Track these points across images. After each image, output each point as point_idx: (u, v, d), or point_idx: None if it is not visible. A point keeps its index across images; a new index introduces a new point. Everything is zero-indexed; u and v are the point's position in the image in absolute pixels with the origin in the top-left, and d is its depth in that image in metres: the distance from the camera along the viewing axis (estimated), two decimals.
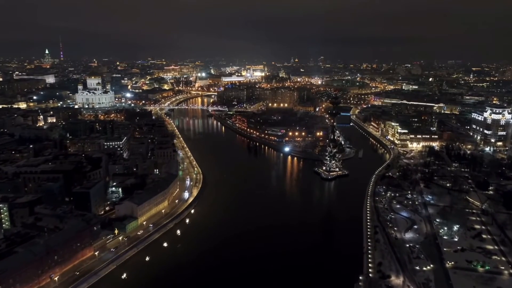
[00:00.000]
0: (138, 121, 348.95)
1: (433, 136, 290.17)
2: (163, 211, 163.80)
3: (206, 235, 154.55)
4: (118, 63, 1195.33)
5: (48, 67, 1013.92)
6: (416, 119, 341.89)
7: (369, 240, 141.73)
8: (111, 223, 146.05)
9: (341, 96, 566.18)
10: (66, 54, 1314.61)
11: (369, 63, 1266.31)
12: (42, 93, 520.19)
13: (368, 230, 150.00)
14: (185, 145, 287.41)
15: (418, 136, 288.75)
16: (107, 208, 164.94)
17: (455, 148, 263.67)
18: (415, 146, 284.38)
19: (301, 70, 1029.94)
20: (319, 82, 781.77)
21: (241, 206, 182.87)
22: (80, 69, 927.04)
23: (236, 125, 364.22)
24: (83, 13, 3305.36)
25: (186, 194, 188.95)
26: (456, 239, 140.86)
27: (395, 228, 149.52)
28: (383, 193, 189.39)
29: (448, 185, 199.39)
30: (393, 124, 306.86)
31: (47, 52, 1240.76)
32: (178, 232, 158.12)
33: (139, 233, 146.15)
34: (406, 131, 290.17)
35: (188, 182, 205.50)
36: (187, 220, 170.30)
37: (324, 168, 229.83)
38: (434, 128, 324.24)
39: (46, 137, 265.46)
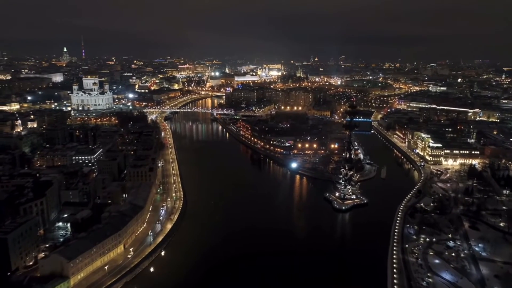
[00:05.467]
0: (132, 126, 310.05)
1: (473, 152, 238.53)
2: (106, 267, 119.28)
3: None
4: (135, 61, 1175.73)
5: (64, 65, 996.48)
6: (450, 129, 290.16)
7: None
8: (31, 285, 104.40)
9: (362, 98, 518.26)
10: (88, 53, 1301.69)
11: (392, 63, 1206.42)
12: (40, 93, 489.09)
13: None
14: (175, 158, 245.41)
15: (455, 151, 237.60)
16: (42, 255, 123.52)
17: (501, 168, 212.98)
18: (451, 164, 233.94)
19: (320, 69, 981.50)
20: (339, 83, 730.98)
21: (225, 247, 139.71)
22: (94, 67, 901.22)
23: (241, 132, 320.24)
24: (108, 12, 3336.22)
25: (155, 231, 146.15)
26: None
27: None
28: (414, 236, 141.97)
29: (502, 224, 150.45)
30: (423, 135, 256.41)
31: (65, 50, 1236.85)
32: None
33: None
34: (439, 145, 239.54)
35: (163, 212, 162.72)
36: (152, 269, 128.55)
37: (337, 194, 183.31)
38: (473, 140, 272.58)
39: (14, 146, 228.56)
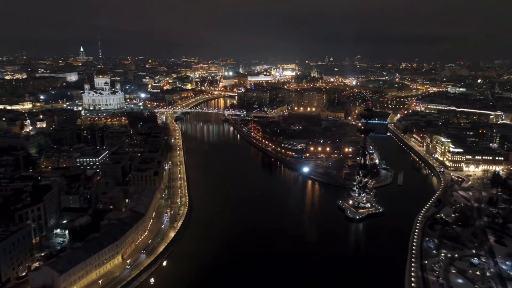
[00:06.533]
0: (141, 127, 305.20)
1: (496, 158, 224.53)
2: (100, 281, 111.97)
3: None
4: (149, 61, 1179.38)
5: (80, 64, 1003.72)
6: (471, 132, 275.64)
7: None
8: None
9: (377, 99, 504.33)
10: (106, 53, 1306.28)
11: (408, 63, 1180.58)
12: (53, 92, 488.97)
13: None
14: (182, 161, 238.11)
15: (477, 156, 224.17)
16: (37, 265, 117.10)
17: None
18: (473, 170, 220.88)
19: (335, 69, 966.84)
20: (354, 83, 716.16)
21: (229, 255, 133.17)
22: (109, 67, 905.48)
23: (252, 134, 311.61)
24: (128, 13, 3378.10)
25: (156, 240, 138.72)
26: None
27: None
28: (434, 251, 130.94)
29: None
30: (442, 139, 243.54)
31: (82, 49, 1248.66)
32: None
33: None
34: (460, 150, 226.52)
35: (166, 219, 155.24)
36: (152, 281, 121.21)
37: (351, 202, 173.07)
38: (496, 145, 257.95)
39: (21, 147, 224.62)
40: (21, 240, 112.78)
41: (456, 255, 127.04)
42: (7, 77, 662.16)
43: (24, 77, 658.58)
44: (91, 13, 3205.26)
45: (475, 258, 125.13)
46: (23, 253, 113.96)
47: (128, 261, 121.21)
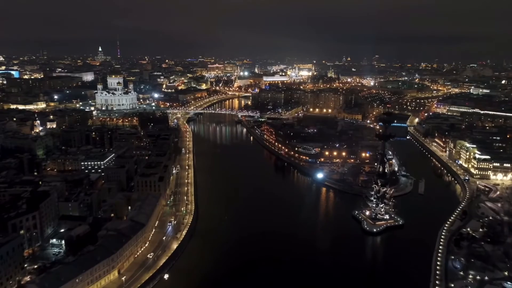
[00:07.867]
0: (152, 128, 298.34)
1: None
2: None
3: None
4: (166, 60, 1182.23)
5: (97, 64, 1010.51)
6: (498, 137, 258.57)
7: None
8: None
9: (396, 100, 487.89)
10: (125, 53, 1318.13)
11: (428, 63, 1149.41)
12: (68, 92, 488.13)
13: None
14: (191, 164, 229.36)
15: (505, 164, 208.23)
16: (28, 279, 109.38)
17: None
18: (501, 179, 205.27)
19: (353, 69, 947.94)
20: (372, 84, 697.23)
21: (235, 268, 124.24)
22: (125, 67, 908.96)
23: (264, 136, 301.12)
24: (149, 13, 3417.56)
25: (157, 252, 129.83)
26: None
27: None
28: (461, 272, 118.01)
29: None
30: (467, 145, 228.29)
31: (100, 49, 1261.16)
32: None
33: None
34: (487, 157, 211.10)
35: (170, 228, 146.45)
36: None
37: (368, 213, 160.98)
38: None
39: (28, 148, 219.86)
40: (11, 252, 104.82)
41: (486, 278, 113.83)
42: (25, 77, 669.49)
43: (41, 76, 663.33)
44: (114, 14, 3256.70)
45: (509, 283, 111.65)
46: (13, 267, 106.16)
47: (124, 277, 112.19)
